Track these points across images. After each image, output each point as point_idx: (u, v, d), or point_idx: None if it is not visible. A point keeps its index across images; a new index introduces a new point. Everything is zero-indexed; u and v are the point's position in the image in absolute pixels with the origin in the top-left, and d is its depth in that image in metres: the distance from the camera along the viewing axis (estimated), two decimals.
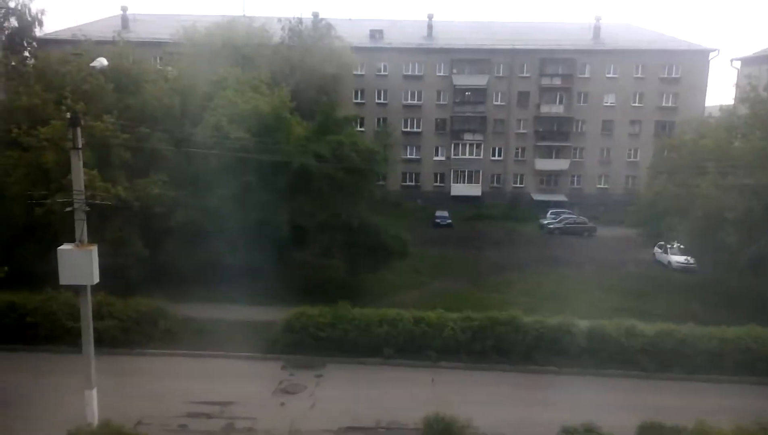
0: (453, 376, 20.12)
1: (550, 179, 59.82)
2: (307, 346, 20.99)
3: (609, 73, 57.86)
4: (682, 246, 34.20)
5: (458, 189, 58.90)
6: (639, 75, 57.69)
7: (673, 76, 57.51)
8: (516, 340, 20.99)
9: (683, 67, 57.24)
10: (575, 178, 59.74)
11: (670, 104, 57.71)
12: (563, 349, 20.93)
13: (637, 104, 58.16)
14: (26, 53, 47.97)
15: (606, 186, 59.41)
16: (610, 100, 58.32)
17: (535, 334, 21.02)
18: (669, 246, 36.45)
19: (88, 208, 15.26)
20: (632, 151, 58.78)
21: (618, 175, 59.00)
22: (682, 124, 37.12)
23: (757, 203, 25.90)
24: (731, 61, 54.97)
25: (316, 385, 19.25)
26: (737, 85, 32.14)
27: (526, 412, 17.38)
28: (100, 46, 33.11)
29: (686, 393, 19.13)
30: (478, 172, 59.02)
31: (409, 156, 59.45)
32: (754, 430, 13.74)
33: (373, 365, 20.70)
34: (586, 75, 58.02)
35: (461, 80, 58.06)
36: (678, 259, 36.24)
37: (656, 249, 38.00)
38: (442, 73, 58.47)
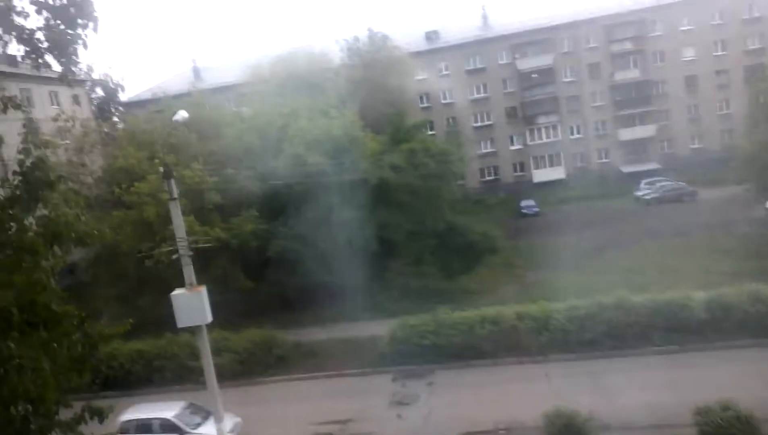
0: (566, 369, 19.49)
1: (637, 148, 56.84)
2: (414, 356, 21.08)
3: (684, 25, 54.38)
4: None
5: (540, 175, 57.29)
6: (717, 21, 53.83)
7: (755, 15, 53.15)
8: (628, 322, 20.06)
9: (765, 4, 52.74)
10: (665, 143, 56.44)
11: (756, 45, 53.37)
12: (682, 325, 19.76)
13: (720, 52, 54.29)
14: (115, 118, 52.04)
15: (700, 145, 55.69)
16: (689, 54, 54.77)
17: (648, 314, 20.01)
18: None
19: (191, 253, 16.23)
20: (723, 104, 54.79)
21: (711, 131, 55.16)
22: None
23: None
24: None
25: (429, 393, 19.33)
26: None
27: (653, 396, 16.51)
28: (178, 99, 35.35)
29: None
30: (559, 154, 57.14)
31: (484, 150, 58.56)
32: None
33: (482, 367, 20.50)
34: (659, 32, 54.87)
35: (525, 64, 56.62)
36: None
37: None
38: (504, 61, 57.34)
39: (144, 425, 17.18)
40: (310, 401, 19.53)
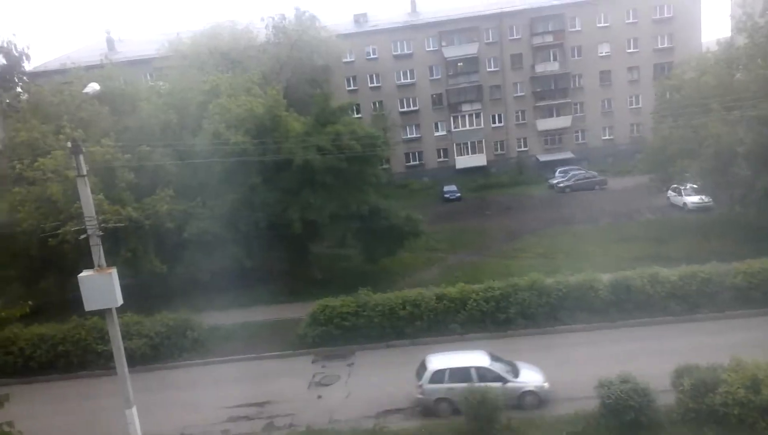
0: (481, 347, 20.10)
1: (554, 138, 59.28)
2: (334, 338, 21.18)
3: (600, 22, 56.95)
4: (695, 186, 33.89)
5: (463, 161, 58.62)
6: (631, 20, 56.74)
7: (666, 15, 56.47)
8: (540, 303, 21.03)
9: (674, 5, 56.13)
10: (579, 134, 59.15)
11: (666, 45, 56.74)
12: (588, 306, 20.98)
13: (632, 50, 57.29)
14: (18, 89, 48.25)
15: (611, 137, 58.79)
16: (604, 49, 57.48)
17: (559, 295, 21.06)
18: (682, 188, 36.12)
19: (101, 233, 15.40)
20: (634, 99, 58.05)
21: (622, 124, 58.34)
22: (681, 64, 36.54)
23: (766, 133, 25.54)
24: None
25: (349, 374, 19.46)
26: (732, 16, 31.59)
27: (560, 371, 17.37)
28: (90, 71, 33.29)
29: (718, 332, 19.07)
30: (481, 141, 58.65)
31: (409, 135, 59.19)
32: None
33: (402, 347, 20.86)
34: (578, 28, 57.15)
35: (451, 52, 57.48)
36: (692, 199, 35.94)
37: (669, 193, 37.64)
38: (431, 48, 57.93)
39: (461, 373, 16.41)
40: (227, 385, 19.14)
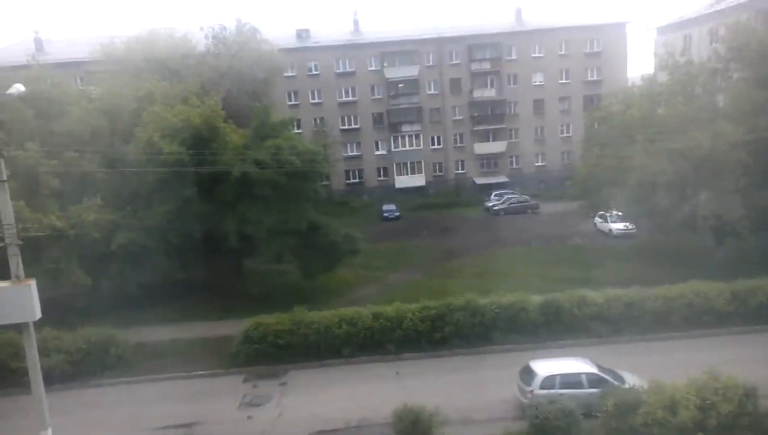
0: (416, 367, 20.30)
1: (490, 162, 60.98)
2: (268, 356, 20.71)
3: (535, 52, 59.35)
4: (620, 213, 35.61)
5: (402, 181, 59.29)
6: (563, 52, 59.44)
7: (595, 50, 59.56)
8: (474, 322, 21.38)
9: (603, 41, 59.36)
10: (514, 159, 61.10)
11: (595, 78, 59.76)
12: (520, 326, 21.49)
13: (564, 81, 59.97)
14: None
15: (543, 163, 61.07)
16: (538, 79, 59.89)
17: (492, 315, 21.48)
18: (608, 215, 37.84)
19: (20, 242, 14.51)
20: (565, 127, 60.63)
21: (553, 151, 60.76)
22: (608, 96, 38.47)
23: (685, 165, 27.25)
24: (647, 30, 57.44)
25: (281, 394, 19.06)
26: (655, 54, 33.56)
27: (493, 392, 17.66)
28: (15, 71, 31.49)
29: (639, 353, 19.94)
30: (420, 162, 59.55)
31: (350, 153, 59.33)
32: (705, 380, 14.46)
33: (336, 366, 20.68)
34: (513, 57, 59.32)
35: (393, 73, 58.33)
36: (618, 226, 37.69)
37: (596, 219, 39.39)
38: (373, 68, 58.56)
39: (572, 379, 16.39)
40: (153, 404, 18.32)
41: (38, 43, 55.42)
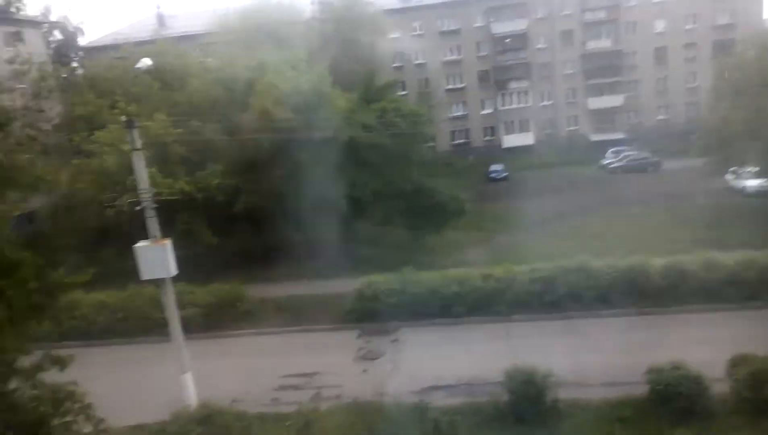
0: (527, 329, 19.98)
1: (605, 118, 57.56)
2: (380, 313, 21.29)
3: None
4: (756, 169, 32.41)
5: (510, 140, 57.67)
6: None
7: None
8: (588, 286, 20.59)
9: None
10: (632, 113, 57.29)
11: (726, 21, 54.03)
12: (639, 290, 20.41)
13: (690, 26, 54.82)
14: (74, 63, 49.81)
15: (666, 117, 56.75)
16: (660, 26, 55.25)
17: (608, 278, 20.57)
18: (741, 171, 34.58)
19: (155, 205, 15.87)
20: (691, 77, 55.75)
21: (678, 104, 56.17)
22: (743, 42, 34.79)
23: None
24: None
25: (393, 350, 19.61)
26: None
27: (609, 356, 17.09)
28: (141, 46, 33.99)
29: None
30: (528, 120, 57.49)
31: (455, 113, 58.45)
32: None
33: (446, 325, 20.85)
34: (632, 3, 54.97)
35: (500, 28, 56.24)
36: (752, 183, 34.43)
37: (728, 176, 36.11)
38: (478, 24, 56.81)
39: None
40: (277, 355, 19.60)
41: (160, 18, 59.20)
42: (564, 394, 15.14)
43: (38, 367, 6.84)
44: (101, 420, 7.11)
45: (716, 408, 13.89)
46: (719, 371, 14.46)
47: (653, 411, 14.14)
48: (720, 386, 14.19)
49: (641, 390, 14.67)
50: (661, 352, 15.23)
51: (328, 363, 18.66)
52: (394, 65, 56.80)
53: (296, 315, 22.63)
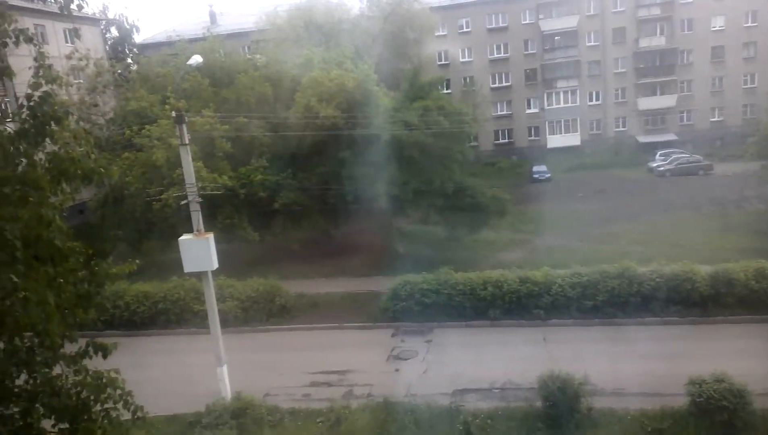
0: (565, 334, 19.68)
1: (655, 118, 55.79)
2: (414, 313, 21.32)
3: None
4: None
5: (555, 140, 56.53)
6: None
7: None
8: (630, 292, 20.10)
9: None
10: (684, 114, 55.27)
11: None
12: (684, 298, 19.82)
13: (750, 24, 52.48)
14: (129, 59, 51.56)
15: (720, 118, 54.54)
16: (718, 23, 53.05)
17: (652, 285, 20.02)
18: None
19: (200, 200, 16.34)
20: (749, 77, 53.38)
21: (733, 105, 53.89)
22: None
23: None
24: None
25: (427, 350, 19.60)
26: None
27: (649, 365, 16.67)
28: (193, 43, 34.88)
29: None
30: (575, 119, 56.21)
31: (500, 112, 57.71)
32: None
33: (482, 327, 20.72)
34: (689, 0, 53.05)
35: (549, 25, 55.16)
36: None
37: None
38: (527, 21, 55.88)
39: None
40: (311, 351, 19.90)
41: (212, 16, 60.61)
42: (600, 403, 14.87)
43: (83, 353, 7.13)
44: (140, 407, 7.38)
45: (758, 424, 13.37)
46: (765, 385, 13.92)
47: (692, 424, 13.72)
48: (765, 401, 13.65)
49: (681, 402, 14.27)
50: (704, 363, 14.76)
51: (360, 361, 18.84)
52: (440, 63, 56.53)
53: (331, 312, 22.89)
